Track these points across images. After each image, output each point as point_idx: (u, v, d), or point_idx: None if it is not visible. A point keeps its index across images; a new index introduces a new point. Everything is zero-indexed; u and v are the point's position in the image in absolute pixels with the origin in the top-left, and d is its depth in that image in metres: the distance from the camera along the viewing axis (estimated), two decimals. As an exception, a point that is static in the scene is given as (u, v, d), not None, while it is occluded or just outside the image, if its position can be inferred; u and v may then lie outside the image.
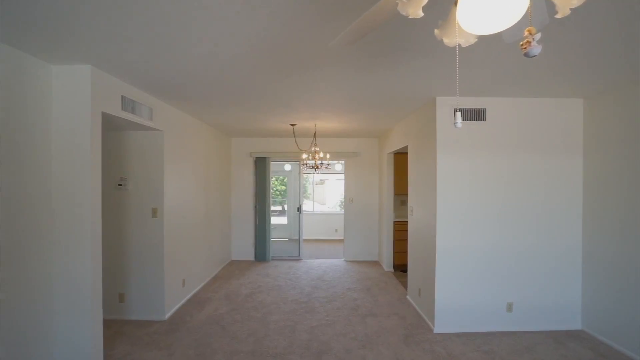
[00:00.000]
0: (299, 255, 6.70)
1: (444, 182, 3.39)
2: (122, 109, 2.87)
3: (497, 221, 3.41)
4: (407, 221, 5.74)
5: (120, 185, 3.65)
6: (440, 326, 3.39)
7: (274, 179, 9.74)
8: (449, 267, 3.41)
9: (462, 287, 3.41)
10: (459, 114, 1.25)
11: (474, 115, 3.40)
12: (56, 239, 2.48)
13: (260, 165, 6.56)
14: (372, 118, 4.62)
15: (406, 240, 5.72)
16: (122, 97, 2.86)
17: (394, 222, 5.82)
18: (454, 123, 1.22)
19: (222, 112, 4.26)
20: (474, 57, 2.38)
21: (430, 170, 3.58)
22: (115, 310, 3.66)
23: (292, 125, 5.02)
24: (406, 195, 6.21)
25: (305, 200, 10.96)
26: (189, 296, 4.35)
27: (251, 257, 6.59)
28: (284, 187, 10.16)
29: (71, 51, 2.22)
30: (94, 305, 2.57)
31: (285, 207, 9.92)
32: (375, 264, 6.28)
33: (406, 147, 4.82)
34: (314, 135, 5.22)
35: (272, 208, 9.67)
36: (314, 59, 2.37)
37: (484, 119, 3.41)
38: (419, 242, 3.97)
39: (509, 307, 3.42)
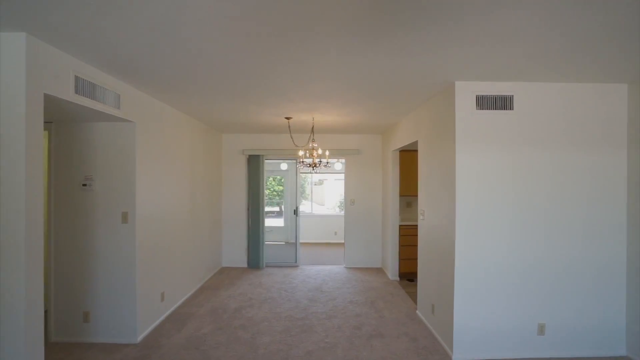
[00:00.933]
0: (296, 261, 6.18)
1: (464, 182, 2.88)
2: (76, 92, 2.34)
3: (526, 228, 2.89)
4: (414, 225, 5.24)
5: (84, 185, 3.13)
6: (460, 351, 2.88)
7: (271, 178, 9.25)
8: (469, 281, 2.89)
9: (486, 305, 2.90)
10: None
11: (500, 103, 2.89)
12: (-18, 254, 1.95)
13: (254, 164, 6.04)
14: (376, 110, 4.11)
15: (413, 246, 5.21)
16: (76, 77, 2.34)
17: (400, 226, 5.31)
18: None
19: (207, 103, 3.73)
20: (503, 29, 1.87)
21: (446, 168, 3.07)
22: (79, 332, 3.13)
23: (287, 118, 4.51)
24: (412, 196, 5.71)
25: (303, 200, 10.47)
26: (168, 312, 3.82)
27: (244, 264, 6.06)
28: (281, 188, 9.66)
29: (-5, 12, 1.71)
30: (31, 329, 2.03)
31: (282, 208, 9.41)
32: (379, 271, 5.77)
33: (415, 144, 4.32)
34: (312, 130, 4.71)
35: (270, 209, 9.20)
36: (310, 28, 1.86)
37: (511, 108, 2.89)
38: (432, 250, 3.45)
39: (541, 330, 2.90)
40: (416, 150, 5.43)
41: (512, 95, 2.89)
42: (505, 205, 2.89)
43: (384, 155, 5.85)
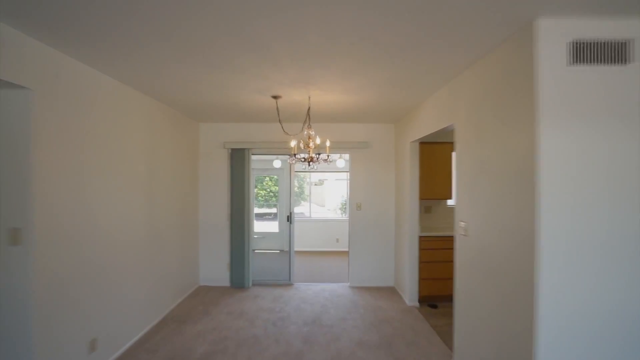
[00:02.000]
0: (290, 279, 5.05)
1: (554, 181, 1.77)
2: None
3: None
4: (438, 237, 4.14)
5: (-47, 187, 2.02)
6: None
7: (267, 178, 8.21)
8: (563, 337, 1.78)
9: (585, 382, 1.79)
10: None
11: (609, 53, 1.78)
12: None
13: (238, 160, 4.92)
14: (391, 85, 2.99)
15: (436, 263, 4.12)
16: None
17: (420, 237, 4.20)
18: None
19: (154, 66, 2.61)
20: None
21: (515, 160, 1.97)
22: (-57, 415, 2.03)
23: (275, 97, 3.40)
24: (433, 200, 4.62)
25: (302, 202, 9.41)
26: (103, 366, 2.72)
27: (226, 282, 4.94)
28: (277, 188, 8.60)
29: None
30: None
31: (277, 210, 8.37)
32: (392, 292, 4.65)
33: (443, 132, 3.24)
34: (307, 113, 3.60)
35: (267, 211, 8.19)
36: None
37: (627, 61, 1.79)
38: (483, 281, 2.35)
39: (677, 422, 1.80)
40: (439, 143, 4.37)
41: (631, 40, 1.78)
42: (631, 220, 1.78)
43: (398, 148, 4.74)
